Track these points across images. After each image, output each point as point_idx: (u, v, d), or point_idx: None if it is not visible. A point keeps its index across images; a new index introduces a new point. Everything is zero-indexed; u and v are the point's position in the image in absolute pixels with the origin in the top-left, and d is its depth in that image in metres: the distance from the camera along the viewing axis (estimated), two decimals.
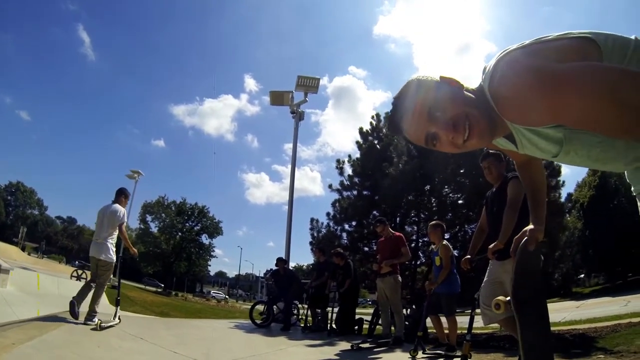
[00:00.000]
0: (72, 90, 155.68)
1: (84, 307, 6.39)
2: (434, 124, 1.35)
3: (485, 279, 4.33)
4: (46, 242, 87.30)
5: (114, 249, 6.92)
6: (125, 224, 6.99)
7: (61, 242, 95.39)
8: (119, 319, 6.52)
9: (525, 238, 1.91)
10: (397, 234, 7.95)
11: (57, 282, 15.08)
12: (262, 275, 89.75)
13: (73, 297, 6.26)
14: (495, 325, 8.63)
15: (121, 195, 7.27)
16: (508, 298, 1.88)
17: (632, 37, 1.24)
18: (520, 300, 1.88)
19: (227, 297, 63.54)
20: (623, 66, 1.16)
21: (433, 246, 6.65)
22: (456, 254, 13.06)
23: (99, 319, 5.96)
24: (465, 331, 4.04)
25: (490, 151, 4.91)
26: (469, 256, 4.55)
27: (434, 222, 6.80)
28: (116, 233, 6.89)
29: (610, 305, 19.69)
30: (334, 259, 9.98)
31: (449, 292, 6.34)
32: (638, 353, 5.87)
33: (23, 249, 51.94)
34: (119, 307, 6.86)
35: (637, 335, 7.22)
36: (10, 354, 3.47)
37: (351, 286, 9.87)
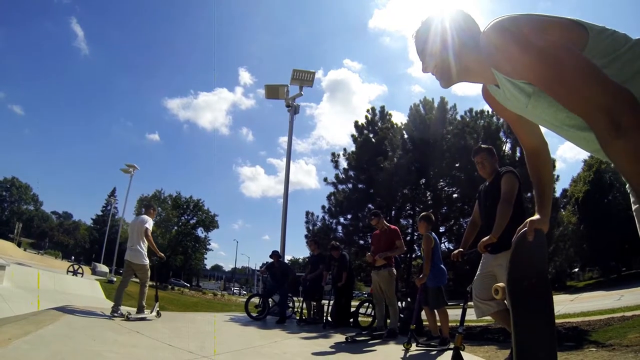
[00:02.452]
0: (66, 84, 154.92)
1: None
2: (423, 57, 1.76)
3: (477, 272, 4.37)
4: (42, 238, 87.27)
5: (146, 253, 7.90)
6: (149, 230, 7.95)
7: (57, 237, 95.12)
8: (157, 313, 7.88)
9: (525, 229, 1.94)
10: (392, 227, 7.97)
11: (54, 278, 15.09)
12: (258, 268, 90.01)
13: (113, 307, 7.30)
14: (489, 318, 8.75)
15: (149, 208, 8.64)
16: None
17: (635, 38, 1.38)
18: (515, 291, 1.92)
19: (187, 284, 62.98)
20: (600, 59, 1.33)
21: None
22: (451, 248, 13.23)
23: (126, 312, 7.20)
24: (458, 323, 4.09)
25: (483, 146, 4.95)
26: (461, 249, 4.58)
27: (422, 214, 6.79)
28: (145, 239, 7.89)
29: (603, 299, 19.84)
30: (331, 252, 10.01)
31: (434, 284, 6.40)
32: (630, 346, 5.93)
33: (19, 245, 51.83)
34: (157, 302, 8.04)
35: (630, 329, 7.29)
36: (6, 349, 3.50)
37: (347, 279, 9.93)
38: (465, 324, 4.13)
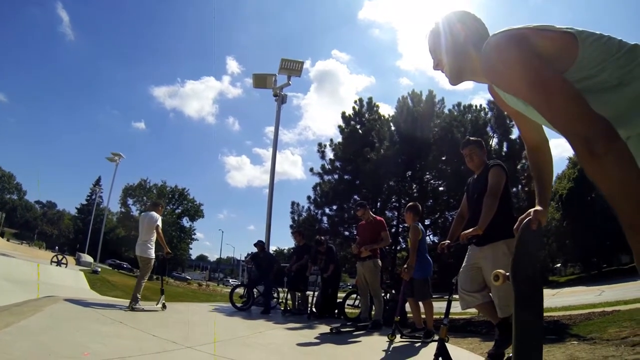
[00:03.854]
0: (50, 70, 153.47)
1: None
2: (435, 56, 1.87)
3: (463, 264, 4.41)
4: (26, 228, 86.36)
5: (153, 248, 8.33)
6: (160, 227, 8.39)
7: (41, 227, 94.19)
8: (163, 305, 8.15)
9: (529, 217, 1.98)
10: (378, 218, 7.99)
11: (39, 269, 14.95)
12: (243, 258, 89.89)
13: (131, 302, 7.55)
14: (474, 310, 8.82)
15: (157, 206, 9.03)
16: (508, 273, 1.94)
17: (632, 43, 1.44)
18: (519, 278, 1.93)
19: (189, 277, 62.82)
20: (589, 69, 1.45)
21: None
22: (436, 241, 13.31)
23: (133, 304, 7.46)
24: (443, 315, 4.12)
25: (472, 138, 4.97)
26: (448, 241, 4.60)
27: (409, 204, 6.79)
28: (154, 235, 8.30)
29: (585, 294, 20.19)
30: (318, 247, 10.01)
31: (419, 276, 6.36)
32: (610, 340, 6.03)
33: (2, 235, 51.26)
34: (163, 295, 8.38)
35: (610, 324, 7.42)
36: None
37: (334, 270, 9.99)
38: (449, 316, 4.17)
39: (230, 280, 75.98)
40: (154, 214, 8.54)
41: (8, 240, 55.10)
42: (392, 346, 5.76)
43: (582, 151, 1.26)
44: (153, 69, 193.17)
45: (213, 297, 20.98)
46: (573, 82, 1.40)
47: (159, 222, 8.41)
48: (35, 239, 78.39)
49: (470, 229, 4.01)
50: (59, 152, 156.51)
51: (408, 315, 8.70)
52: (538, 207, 2.03)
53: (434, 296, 6.88)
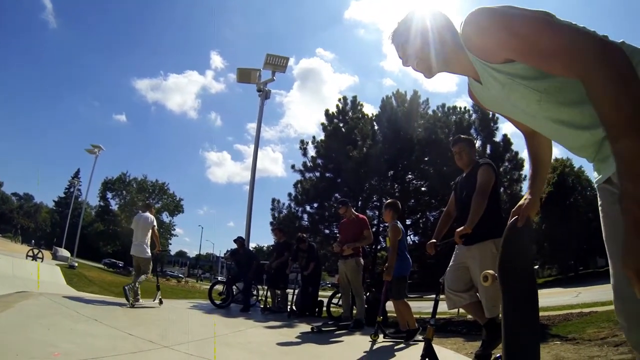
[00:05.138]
0: (30, 58, 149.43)
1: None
2: (403, 52, 1.80)
3: (450, 264, 4.36)
4: (1, 220, 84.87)
5: (149, 248, 8.71)
6: (155, 227, 8.93)
7: (17, 220, 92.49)
8: (160, 301, 8.64)
9: (516, 216, 1.97)
10: (361, 216, 7.93)
11: (12, 263, 14.64)
12: (222, 255, 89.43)
13: (131, 302, 7.75)
14: (453, 310, 8.83)
15: (150, 207, 9.57)
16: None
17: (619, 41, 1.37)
18: (506, 278, 1.92)
19: (184, 277, 62.50)
20: None
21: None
22: (416, 241, 13.33)
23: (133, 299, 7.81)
24: (426, 315, 4.07)
25: (462, 136, 4.93)
26: (434, 240, 4.53)
27: (388, 201, 6.62)
28: (149, 235, 8.70)
29: (562, 295, 20.43)
30: (300, 244, 9.89)
31: (396, 274, 6.13)
32: (592, 340, 6.05)
33: None
34: (159, 291, 8.86)
35: (588, 325, 7.48)
36: None
37: (314, 268, 9.89)
38: (427, 316, 4.11)
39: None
40: (149, 215, 9.01)
41: None
42: (374, 346, 5.69)
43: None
44: (136, 61, 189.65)
45: (192, 294, 20.78)
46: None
47: (155, 222, 8.93)
48: (18, 233, 77.05)
49: (461, 228, 3.95)
50: (37, 143, 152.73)
51: (389, 315, 8.63)
52: (527, 198, 2.03)
53: (414, 295, 6.81)
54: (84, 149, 35.63)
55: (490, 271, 2.06)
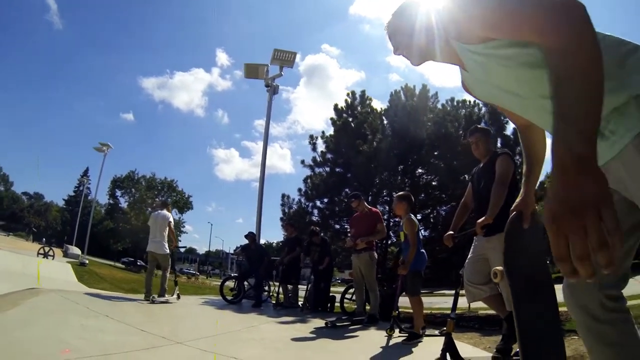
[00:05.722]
0: (36, 59, 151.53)
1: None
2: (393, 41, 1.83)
3: (469, 256, 4.27)
4: (12, 219, 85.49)
5: (167, 244, 9.01)
6: (172, 224, 9.26)
7: (27, 218, 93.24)
8: (177, 296, 9.07)
9: (515, 213, 1.97)
10: (374, 209, 7.83)
11: (23, 261, 14.65)
12: (232, 251, 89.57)
13: (145, 295, 8.35)
14: (464, 306, 8.70)
15: (167, 205, 9.99)
16: None
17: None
18: (514, 274, 1.87)
19: (198, 274, 62.60)
20: None
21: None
22: (426, 235, 13.18)
23: (151, 297, 8.21)
24: (437, 311, 3.96)
25: (479, 126, 4.84)
26: (451, 232, 4.42)
27: (400, 193, 6.42)
28: (166, 232, 9.00)
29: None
30: (312, 238, 9.80)
31: (412, 269, 5.86)
32: None
33: None
34: (177, 287, 9.28)
35: None
36: None
37: (328, 263, 9.80)
38: (438, 312, 4.00)
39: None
40: (166, 212, 9.34)
41: None
42: (390, 341, 5.60)
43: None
44: (142, 60, 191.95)
45: (202, 290, 20.68)
46: None
47: (171, 219, 9.26)
48: (29, 231, 77.60)
49: (482, 218, 3.84)
50: (47, 142, 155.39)
51: (401, 310, 8.49)
52: (521, 196, 2.05)
53: (425, 291, 6.67)
54: (92, 147, 35.50)
55: (500, 267, 2.00)
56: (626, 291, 1.66)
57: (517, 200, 2.05)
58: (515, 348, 3.91)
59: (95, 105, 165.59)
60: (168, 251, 9.03)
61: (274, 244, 61.81)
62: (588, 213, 0.84)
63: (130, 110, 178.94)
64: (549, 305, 1.98)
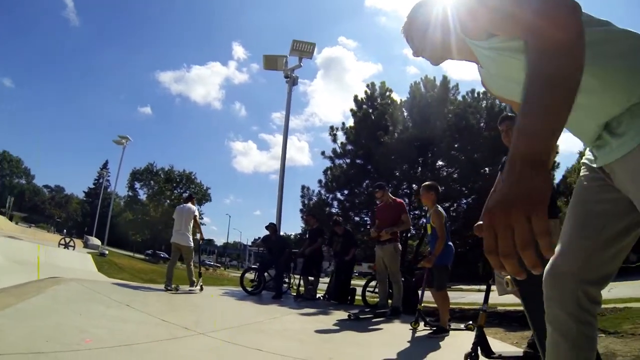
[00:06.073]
0: (56, 56, 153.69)
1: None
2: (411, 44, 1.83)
3: None
4: (34, 211, 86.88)
5: (191, 236, 9.18)
6: (197, 216, 9.38)
7: (48, 210, 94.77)
8: (200, 287, 9.19)
9: None
10: (398, 200, 7.67)
11: (45, 251, 14.76)
12: (249, 243, 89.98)
13: (166, 284, 8.57)
14: (478, 301, 8.53)
15: (192, 198, 10.04)
16: None
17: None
18: (522, 282, 1.92)
19: (220, 266, 62.80)
20: None
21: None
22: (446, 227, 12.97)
23: (174, 286, 8.55)
24: (455, 306, 3.82)
25: (509, 114, 4.69)
26: (481, 222, 4.24)
27: (427, 182, 6.20)
28: (191, 224, 9.16)
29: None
30: (335, 228, 9.71)
31: (439, 263, 5.66)
32: (635, 335, 5.70)
33: (11, 219, 51.42)
34: (201, 278, 9.43)
35: (624, 320, 7.08)
36: None
37: (353, 255, 9.73)
38: (456, 307, 3.87)
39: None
40: (191, 205, 9.50)
41: (17, 223, 55.19)
42: (416, 334, 5.46)
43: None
44: (159, 54, 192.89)
45: (220, 281, 20.76)
46: None
47: (197, 213, 9.42)
48: (53, 223, 78.79)
49: None
50: (67, 136, 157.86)
51: (425, 304, 8.30)
52: None
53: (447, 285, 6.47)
54: (111, 140, 35.78)
55: (509, 276, 1.91)
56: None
57: None
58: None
59: (114, 100, 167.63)
60: (192, 244, 9.15)
61: (292, 236, 61.75)
62: (518, 213, 0.83)
63: (147, 104, 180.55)
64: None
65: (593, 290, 1.57)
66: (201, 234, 9.72)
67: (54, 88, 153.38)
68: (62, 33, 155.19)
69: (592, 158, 1.56)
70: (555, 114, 0.94)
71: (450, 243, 5.86)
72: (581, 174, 1.66)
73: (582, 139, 1.55)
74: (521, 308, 4.14)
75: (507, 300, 6.35)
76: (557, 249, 1.58)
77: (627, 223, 1.50)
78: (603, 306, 9.24)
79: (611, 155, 1.37)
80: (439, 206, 5.82)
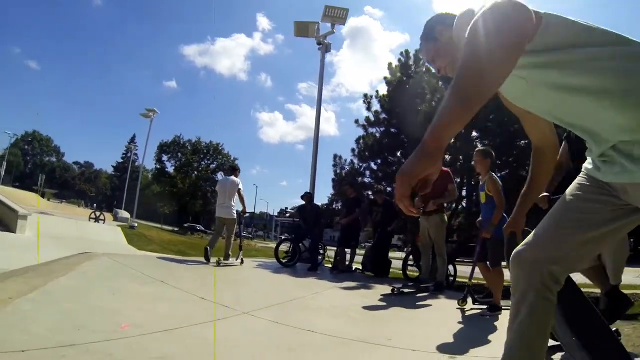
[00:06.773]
0: (79, 35, 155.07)
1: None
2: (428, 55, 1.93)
3: None
4: (65, 187, 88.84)
5: (235, 209, 9.01)
6: (242, 190, 9.15)
7: (79, 186, 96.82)
8: (241, 261, 8.88)
9: (509, 233, 2.18)
10: (444, 169, 7.11)
11: (76, 225, 14.75)
12: (276, 214, 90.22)
13: (207, 245, 8.47)
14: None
15: (236, 171, 9.58)
16: None
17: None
18: None
19: (252, 236, 62.56)
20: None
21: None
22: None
23: (217, 259, 8.31)
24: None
25: None
26: (546, 194, 3.74)
27: (482, 148, 5.76)
28: (235, 197, 9.01)
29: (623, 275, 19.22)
30: (376, 197, 9.35)
31: (496, 236, 5.04)
32: None
33: (43, 196, 52.53)
34: (242, 251, 9.04)
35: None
36: (4, 312, 2.75)
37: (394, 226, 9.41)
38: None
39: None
40: (234, 178, 9.23)
41: (49, 200, 56.30)
42: (467, 313, 5.11)
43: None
44: (182, 28, 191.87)
45: (248, 252, 20.69)
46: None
47: (241, 186, 9.13)
48: (85, 199, 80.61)
49: None
50: (94, 113, 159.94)
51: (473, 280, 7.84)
52: (513, 219, 2.17)
53: (467, 260, 6.06)
54: (139, 113, 35.73)
55: None
56: None
57: (509, 220, 2.19)
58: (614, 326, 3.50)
59: (139, 75, 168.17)
60: (236, 216, 9.00)
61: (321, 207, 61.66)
62: (403, 178, 1.15)
63: (173, 77, 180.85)
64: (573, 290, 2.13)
65: (557, 271, 1.59)
66: (244, 207, 9.41)
67: (79, 67, 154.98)
68: (85, 12, 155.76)
69: (593, 167, 1.58)
70: (451, 125, 1.13)
71: (505, 215, 5.32)
72: (578, 180, 1.69)
73: (590, 146, 1.53)
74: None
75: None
76: (530, 236, 1.67)
77: (616, 226, 1.55)
78: (634, 291, 8.72)
79: (625, 176, 1.37)
80: (493, 174, 5.33)
